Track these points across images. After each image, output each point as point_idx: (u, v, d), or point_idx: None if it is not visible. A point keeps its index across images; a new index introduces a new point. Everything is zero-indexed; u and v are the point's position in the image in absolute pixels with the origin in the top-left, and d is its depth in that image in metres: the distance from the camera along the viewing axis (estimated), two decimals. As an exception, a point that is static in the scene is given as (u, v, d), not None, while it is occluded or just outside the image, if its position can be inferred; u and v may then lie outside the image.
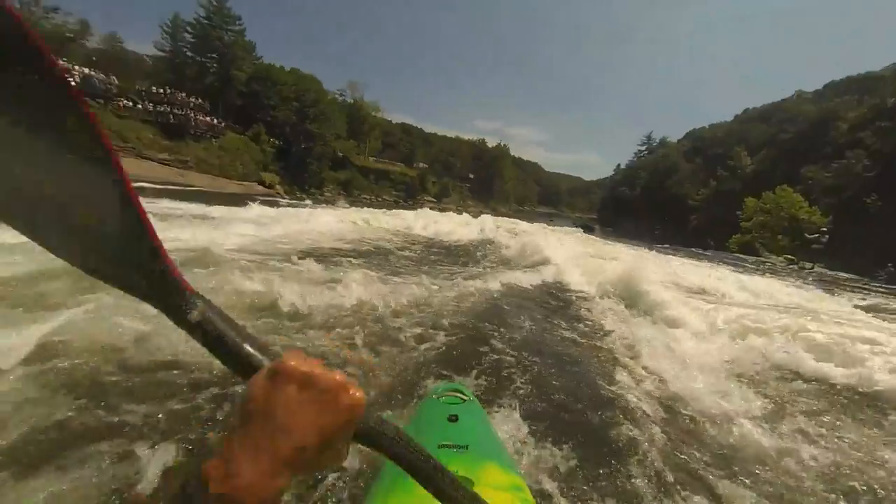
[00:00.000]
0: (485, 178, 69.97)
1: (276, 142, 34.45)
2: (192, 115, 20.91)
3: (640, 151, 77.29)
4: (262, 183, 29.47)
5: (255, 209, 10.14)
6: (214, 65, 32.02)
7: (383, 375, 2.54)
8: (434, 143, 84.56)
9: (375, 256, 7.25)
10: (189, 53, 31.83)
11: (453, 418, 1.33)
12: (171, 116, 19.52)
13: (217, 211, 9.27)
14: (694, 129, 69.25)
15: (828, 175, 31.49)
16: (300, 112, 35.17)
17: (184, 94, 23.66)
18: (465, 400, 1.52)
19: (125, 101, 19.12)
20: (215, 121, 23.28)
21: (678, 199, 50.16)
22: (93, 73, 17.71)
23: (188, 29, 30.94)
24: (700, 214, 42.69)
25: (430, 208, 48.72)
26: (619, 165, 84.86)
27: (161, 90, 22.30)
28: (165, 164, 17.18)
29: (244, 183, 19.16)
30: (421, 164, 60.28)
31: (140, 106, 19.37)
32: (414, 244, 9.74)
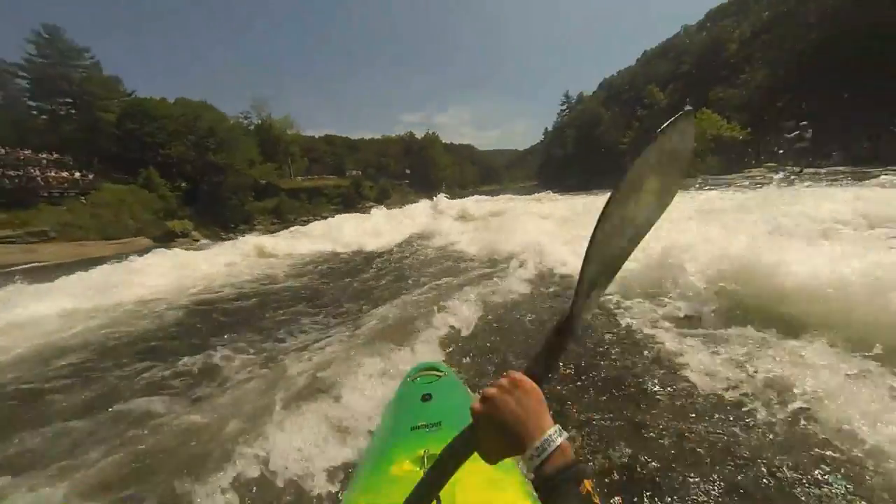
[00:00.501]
0: (421, 170, 67.65)
1: (181, 184, 29.69)
2: (39, 173, 16.33)
3: (563, 111, 78.74)
4: (171, 233, 25.05)
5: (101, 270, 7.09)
6: (71, 110, 26.53)
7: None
8: (362, 149, 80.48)
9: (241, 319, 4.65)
10: (30, 102, 26.07)
11: (427, 397, 1.30)
12: (6, 180, 14.83)
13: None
14: (605, 78, 71.35)
15: (734, 91, 32.81)
16: (198, 145, 30.50)
17: (28, 152, 18.78)
18: (440, 376, 1.48)
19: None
20: (77, 175, 18.67)
21: (609, 146, 51.06)
22: None
23: (19, 73, 25.14)
24: (631, 155, 43.36)
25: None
26: (546, 129, 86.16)
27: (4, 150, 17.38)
28: (6, 242, 12.93)
29: (124, 241, 15.21)
30: (353, 172, 56.55)
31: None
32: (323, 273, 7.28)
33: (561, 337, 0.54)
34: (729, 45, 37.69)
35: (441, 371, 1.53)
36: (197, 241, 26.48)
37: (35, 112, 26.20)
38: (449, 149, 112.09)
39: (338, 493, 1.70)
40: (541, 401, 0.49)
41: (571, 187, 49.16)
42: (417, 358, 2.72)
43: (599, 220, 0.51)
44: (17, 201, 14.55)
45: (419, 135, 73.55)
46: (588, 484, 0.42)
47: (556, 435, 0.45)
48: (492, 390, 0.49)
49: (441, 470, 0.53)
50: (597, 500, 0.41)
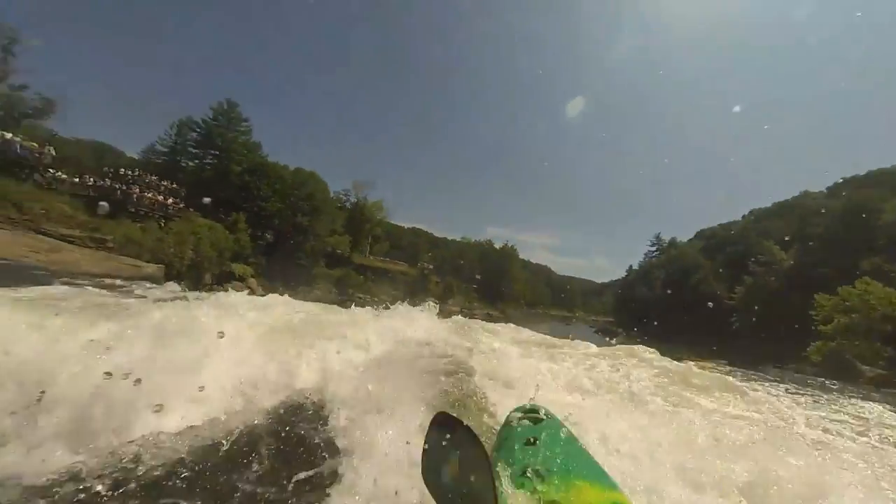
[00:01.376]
0: (492, 279, 65.60)
1: (266, 234, 31.50)
2: (135, 192, 17.73)
3: (652, 252, 73.84)
4: (229, 274, 25.22)
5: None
6: (213, 161, 31.21)
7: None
8: (442, 246, 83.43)
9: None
10: (192, 150, 31.39)
11: (532, 441, 1.26)
12: (111, 193, 16.13)
13: None
14: (703, 228, 66.46)
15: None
16: (293, 206, 33.07)
17: (155, 177, 21.26)
18: (541, 420, 1.43)
19: (58, 173, 16.24)
20: (170, 200, 20.17)
21: (706, 297, 43.85)
22: (15, 138, 15.14)
23: (194, 128, 30.99)
24: (742, 316, 35.78)
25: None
26: (630, 267, 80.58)
27: (127, 171, 19.90)
28: (66, 241, 13.10)
29: (140, 265, 14.42)
30: (425, 265, 56.93)
31: (77, 180, 16.48)
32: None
33: None
34: (885, 214, 31.75)
35: (541, 414, 1.48)
36: (250, 288, 26.31)
37: (190, 159, 31.35)
38: (526, 266, 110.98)
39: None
40: None
41: (655, 334, 41.82)
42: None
43: None
44: (105, 213, 15.46)
45: (499, 245, 73.70)
46: None
47: None
48: None
49: None
50: None
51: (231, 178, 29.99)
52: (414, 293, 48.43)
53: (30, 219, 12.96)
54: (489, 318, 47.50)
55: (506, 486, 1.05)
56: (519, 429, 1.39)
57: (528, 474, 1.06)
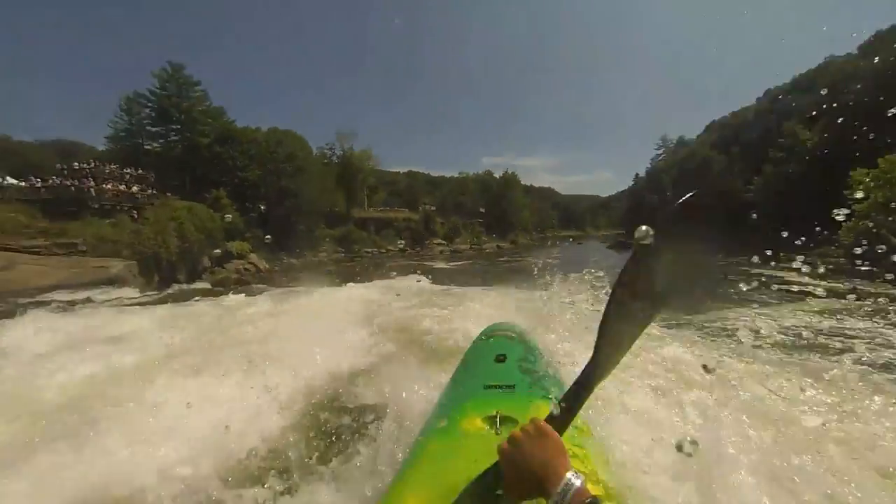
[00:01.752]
0: (497, 210, 63.74)
1: (258, 206, 29.92)
2: (90, 185, 15.97)
3: (658, 155, 69.99)
4: (227, 254, 24.29)
5: None
6: (177, 137, 28.53)
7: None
8: (441, 185, 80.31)
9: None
10: (151, 129, 28.61)
11: (501, 358, 1.30)
12: (58, 192, 14.48)
13: None
14: (714, 120, 61.51)
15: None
16: (275, 170, 30.85)
17: (115, 166, 19.33)
18: (513, 337, 1.49)
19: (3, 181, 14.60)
20: (135, 188, 18.47)
21: (721, 195, 41.78)
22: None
23: (145, 103, 27.83)
24: (762, 207, 33.98)
25: (441, 251, 42.38)
26: (636, 174, 77.12)
27: (83, 166, 18.00)
28: (32, 252, 11.94)
29: (108, 264, 13.08)
30: (427, 207, 54.97)
31: (24, 184, 14.82)
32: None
33: (580, 392, 0.63)
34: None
35: (514, 332, 1.51)
36: (253, 264, 25.49)
37: (154, 138, 28.64)
38: (529, 191, 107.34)
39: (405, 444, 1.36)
40: (561, 448, 0.54)
41: None
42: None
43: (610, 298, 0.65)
44: (63, 214, 13.96)
45: (499, 174, 70.43)
46: None
47: (574, 479, 0.50)
48: (519, 434, 0.56)
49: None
50: None
51: (201, 153, 27.59)
52: (419, 238, 47.52)
53: (-18, 237, 11.73)
54: (499, 251, 46.77)
55: (470, 395, 1.08)
56: (490, 345, 1.41)
57: (493, 386, 1.07)
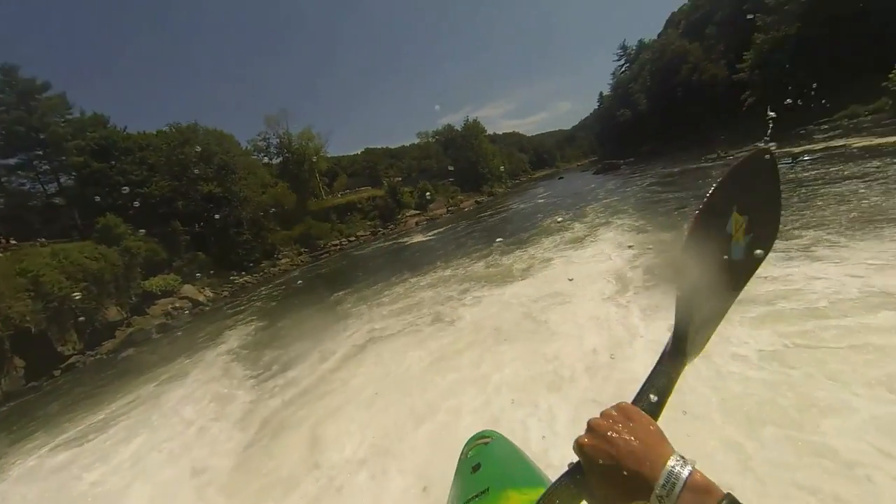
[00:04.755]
0: (466, 164, 57.57)
1: (177, 224, 23.55)
2: None
3: (620, 67, 63.46)
4: (149, 296, 18.52)
5: None
6: (41, 163, 21.37)
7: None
8: (402, 155, 72.96)
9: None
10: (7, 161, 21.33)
11: (476, 468, 1.26)
12: None
13: None
14: (673, 12, 54.73)
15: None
16: (192, 177, 24.23)
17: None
18: (488, 442, 1.43)
19: None
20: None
21: (704, 85, 36.56)
22: None
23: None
24: (756, 85, 28.94)
25: (416, 222, 36.68)
26: (601, 94, 70.84)
27: None
28: None
29: None
30: (392, 178, 48.41)
31: None
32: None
33: (671, 366, 0.49)
34: None
35: (488, 437, 1.47)
36: (186, 300, 19.71)
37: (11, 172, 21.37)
38: (494, 140, 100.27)
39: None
40: (659, 433, 0.40)
41: (661, 154, 35.46)
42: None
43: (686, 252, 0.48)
44: None
45: (459, 127, 63.32)
46: None
47: (679, 467, 0.36)
48: (600, 420, 0.41)
49: None
50: None
51: (76, 174, 20.74)
52: (389, 214, 41.71)
53: None
54: (479, 206, 41.45)
55: None
56: (468, 456, 1.35)
57: (469, 500, 1.04)
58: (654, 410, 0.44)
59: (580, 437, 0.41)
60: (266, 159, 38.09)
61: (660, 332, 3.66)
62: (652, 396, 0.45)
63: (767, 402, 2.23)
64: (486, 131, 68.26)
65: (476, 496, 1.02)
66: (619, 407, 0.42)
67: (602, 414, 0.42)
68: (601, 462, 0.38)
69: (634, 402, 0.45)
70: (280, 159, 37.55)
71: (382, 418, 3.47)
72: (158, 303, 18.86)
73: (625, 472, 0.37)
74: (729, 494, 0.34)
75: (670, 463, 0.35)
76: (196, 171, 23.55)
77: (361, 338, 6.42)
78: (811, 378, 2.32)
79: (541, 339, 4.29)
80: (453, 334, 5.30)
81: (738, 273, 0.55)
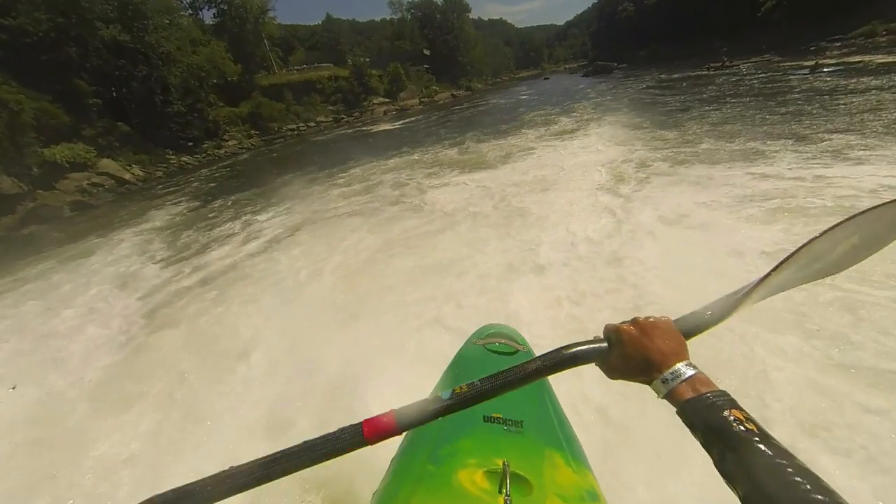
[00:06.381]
0: (445, 49, 50.03)
1: (88, 86, 18.79)
2: None
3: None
4: (53, 166, 15.48)
5: None
6: None
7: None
8: (372, 32, 61.41)
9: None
10: None
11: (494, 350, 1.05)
12: None
13: None
14: None
15: None
16: (99, 17, 18.34)
17: None
18: (517, 351, 1.10)
19: None
20: None
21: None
22: None
23: None
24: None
25: (385, 112, 32.78)
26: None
27: None
28: None
29: None
30: (359, 58, 41.12)
31: None
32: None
33: (729, 304, 0.50)
34: None
35: (519, 343, 1.12)
36: (107, 177, 16.70)
37: None
38: (479, 26, 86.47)
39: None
40: (684, 345, 0.47)
41: (661, 59, 31.68)
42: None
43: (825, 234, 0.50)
44: None
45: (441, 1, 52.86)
46: (739, 413, 0.36)
47: (686, 368, 0.43)
48: (641, 320, 0.49)
49: (539, 366, 0.49)
50: (755, 427, 0.35)
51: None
52: (355, 100, 36.33)
53: None
54: (455, 100, 37.06)
55: (466, 427, 0.82)
56: (489, 355, 1.04)
57: (495, 420, 0.82)
58: (690, 332, 0.50)
59: (621, 324, 0.49)
60: (191, 12, 29.98)
61: (650, 222, 3.27)
62: (694, 322, 0.50)
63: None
64: (470, 10, 58.06)
65: (506, 423, 0.82)
66: (661, 319, 0.49)
67: (646, 317, 0.49)
68: (631, 348, 0.47)
69: (676, 321, 0.51)
70: (215, 12, 29.78)
71: (301, 315, 2.48)
72: (70, 177, 15.86)
73: (642, 359, 0.46)
74: (724, 392, 0.39)
75: (679, 364, 0.43)
76: (85, 3, 17.72)
77: (301, 218, 5.18)
78: None
79: (523, 224, 3.31)
80: (421, 217, 4.22)
81: (836, 263, 0.56)
